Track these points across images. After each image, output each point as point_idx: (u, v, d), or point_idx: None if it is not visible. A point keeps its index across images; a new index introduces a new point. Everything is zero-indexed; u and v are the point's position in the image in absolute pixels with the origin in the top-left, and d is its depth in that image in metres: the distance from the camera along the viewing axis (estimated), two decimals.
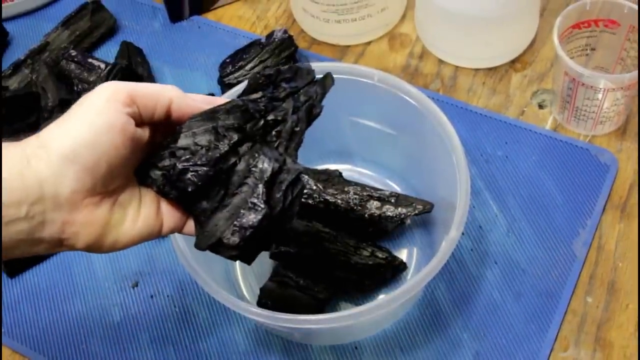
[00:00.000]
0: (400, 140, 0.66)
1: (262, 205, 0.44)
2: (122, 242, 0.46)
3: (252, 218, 0.44)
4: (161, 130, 0.48)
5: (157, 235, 0.47)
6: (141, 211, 0.47)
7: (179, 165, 0.45)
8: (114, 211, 0.45)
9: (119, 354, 0.64)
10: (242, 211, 0.45)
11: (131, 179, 0.47)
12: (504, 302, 0.63)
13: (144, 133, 0.46)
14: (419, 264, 0.66)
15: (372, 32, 0.81)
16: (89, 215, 0.44)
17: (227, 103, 0.47)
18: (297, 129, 0.48)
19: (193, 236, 0.48)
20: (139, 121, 0.46)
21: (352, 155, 0.71)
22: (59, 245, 0.44)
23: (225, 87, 0.76)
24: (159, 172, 0.46)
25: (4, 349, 0.65)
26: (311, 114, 0.49)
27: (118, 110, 0.43)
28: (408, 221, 0.68)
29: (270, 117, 0.47)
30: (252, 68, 0.76)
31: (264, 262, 0.64)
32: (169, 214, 0.48)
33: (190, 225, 0.48)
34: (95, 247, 0.45)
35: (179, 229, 0.49)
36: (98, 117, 0.43)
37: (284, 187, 0.45)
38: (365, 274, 0.63)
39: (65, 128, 0.43)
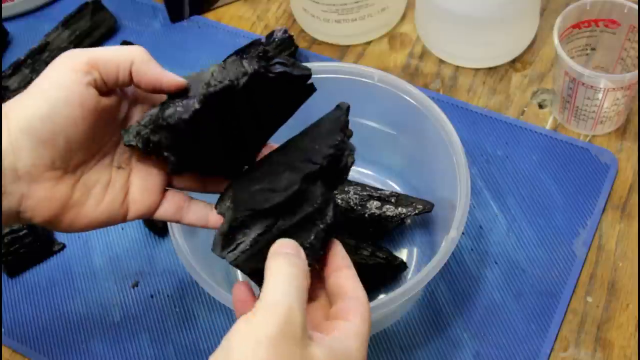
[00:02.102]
0: (400, 140, 0.66)
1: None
2: (82, 223, 0.45)
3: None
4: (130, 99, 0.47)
5: (120, 221, 0.47)
6: (107, 195, 0.46)
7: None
8: (75, 189, 0.45)
9: (119, 354, 0.64)
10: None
11: (100, 159, 0.46)
12: (504, 302, 0.63)
13: (111, 103, 0.45)
14: (419, 264, 0.66)
15: (372, 32, 0.81)
16: (49, 190, 0.43)
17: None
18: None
19: (165, 221, 0.49)
20: (104, 89, 0.44)
21: None
22: (16, 217, 0.43)
23: None
24: None
25: (4, 349, 0.65)
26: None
27: (77, 82, 0.42)
28: (408, 221, 0.68)
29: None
30: None
31: None
32: (140, 200, 0.47)
33: (163, 209, 0.48)
34: (53, 224, 0.45)
35: (148, 215, 0.48)
36: (55, 89, 0.42)
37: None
38: (365, 274, 0.63)
39: (24, 101, 0.42)
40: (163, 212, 0.49)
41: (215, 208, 0.48)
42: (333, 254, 0.45)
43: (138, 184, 0.47)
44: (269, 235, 0.44)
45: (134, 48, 0.45)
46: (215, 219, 0.49)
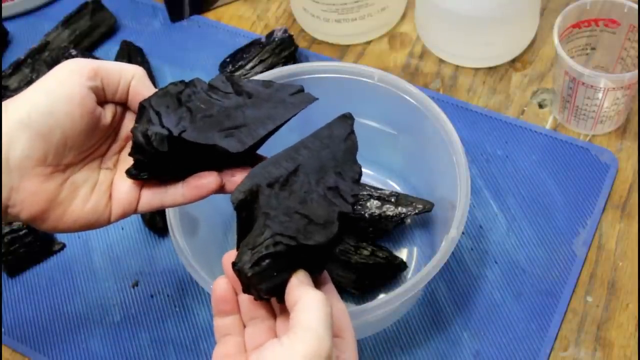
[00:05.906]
0: (401, 140, 0.66)
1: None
2: (67, 222, 0.46)
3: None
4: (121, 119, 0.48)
5: (104, 223, 0.47)
6: (93, 195, 0.47)
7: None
8: (64, 187, 0.45)
9: (119, 354, 0.64)
10: None
11: (88, 161, 0.47)
12: (504, 302, 0.63)
13: (106, 114, 0.46)
14: (419, 264, 0.66)
15: (372, 31, 0.81)
16: (38, 185, 0.44)
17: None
18: None
19: (152, 211, 0.49)
20: (102, 98, 0.46)
21: None
22: (5, 212, 0.44)
23: None
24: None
25: (4, 349, 0.65)
26: None
27: (80, 84, 0.44)
28: (408, 220, 0.68)
29: None
30: (252, 67, 0.75)
31: None
32: (120, 199, 0.47)
33: (143, 202, 0.48)
34: (38, 221, 0.45)
35: (130, 212, 0.48)
36: (58, 86, 0.44)
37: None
38: (365, 273, 0.63)
39: (25, 95, 0.44)
40: (147, 203, 0.48)
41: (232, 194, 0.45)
42: None
43: (121, 183, 0.48)
44: (293, 263, 0.42)
45: (136, 66, 0.47)
46: (210, 180, 0.47)
